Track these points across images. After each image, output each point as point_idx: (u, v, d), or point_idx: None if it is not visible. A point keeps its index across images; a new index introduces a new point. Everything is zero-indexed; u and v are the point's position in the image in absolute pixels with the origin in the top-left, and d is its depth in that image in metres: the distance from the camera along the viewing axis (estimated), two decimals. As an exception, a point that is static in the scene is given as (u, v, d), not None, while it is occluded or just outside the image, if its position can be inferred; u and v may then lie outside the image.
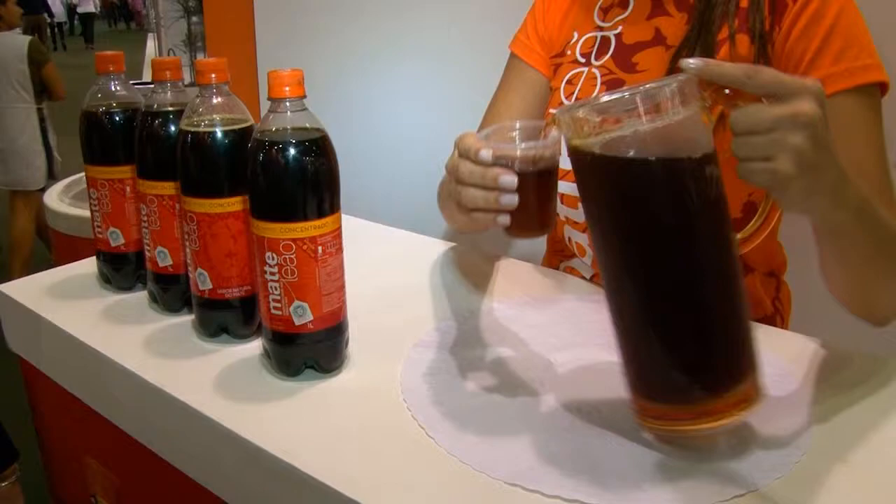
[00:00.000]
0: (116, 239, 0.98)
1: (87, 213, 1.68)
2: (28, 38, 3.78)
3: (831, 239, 0.79)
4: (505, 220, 0.72)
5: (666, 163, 0.61)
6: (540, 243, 1.22)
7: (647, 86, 0.60)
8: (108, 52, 0.96)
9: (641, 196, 0.62)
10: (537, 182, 0.73)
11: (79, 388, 0.96)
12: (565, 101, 1.07)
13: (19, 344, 1.06)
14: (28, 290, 1.05)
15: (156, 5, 8.61)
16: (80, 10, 19.11)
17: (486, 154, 0.71)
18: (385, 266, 1.13)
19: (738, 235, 0.67)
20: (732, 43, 0.93)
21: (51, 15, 16.37)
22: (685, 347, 0.64)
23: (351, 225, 0.82)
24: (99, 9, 21.56)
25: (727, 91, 0.62)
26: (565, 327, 0.91)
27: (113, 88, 0.95)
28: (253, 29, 1.69)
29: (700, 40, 0.94)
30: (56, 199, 1.80)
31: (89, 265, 1.09)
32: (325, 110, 0.78)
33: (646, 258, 0.64)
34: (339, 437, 0.70)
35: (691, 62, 0.61)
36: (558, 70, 1.11)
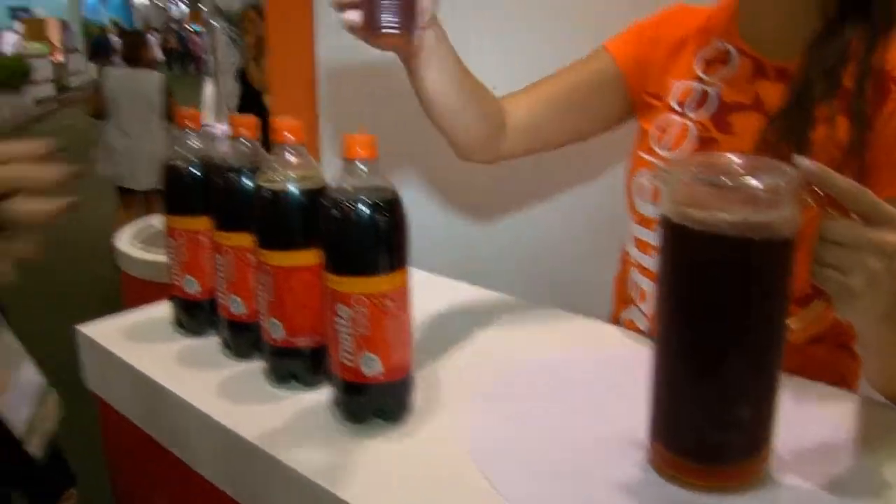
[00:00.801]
0: (191, 286, 1.03)
1: (155, 258, 1.76)
2: (161, 74, 5.01)
3: (876, 354, 0.83)
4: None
5: (754, 246, 0.64)
6: (597, 296, 1.24)
7: (764, 180, 0.63)
8: (188, 110, 1.02)
9: (720, 270, 0.66)
10: None
11: (151, 427, 1.00)
12: (656, 148, 1.08)
13: (96, 382, 1.11)
14: (105, 330, 1.10)
15: (215, 51, 8.89)
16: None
17: None
18: (448, 317, 1.16)
19: (791, 324, 0.70)
20: (832, 125, 0.92)
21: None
22: (715, 408, 0.69)
23: (416, 276, 0.85)
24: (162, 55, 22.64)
25: (822, 194, 0.66)
26: (627, 380, 0.93)
27: (192, 143, 1.01)
28: (313, 74, 1.74)
29: (798, 117, 0.94)
30: (127, 243, 1.87)
31: (163, 309, 1.13)
32: (391, 165, 0.82)
33: (706, 323, 0.68)
34: (407, 487, 0.73)
35: (807, 164, 0.65)
36: (650, 111, 1.12)
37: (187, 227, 1.01)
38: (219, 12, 8.35)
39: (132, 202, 4.94)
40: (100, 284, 4.29)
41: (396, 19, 0.91)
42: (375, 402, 0.81)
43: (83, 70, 20.74)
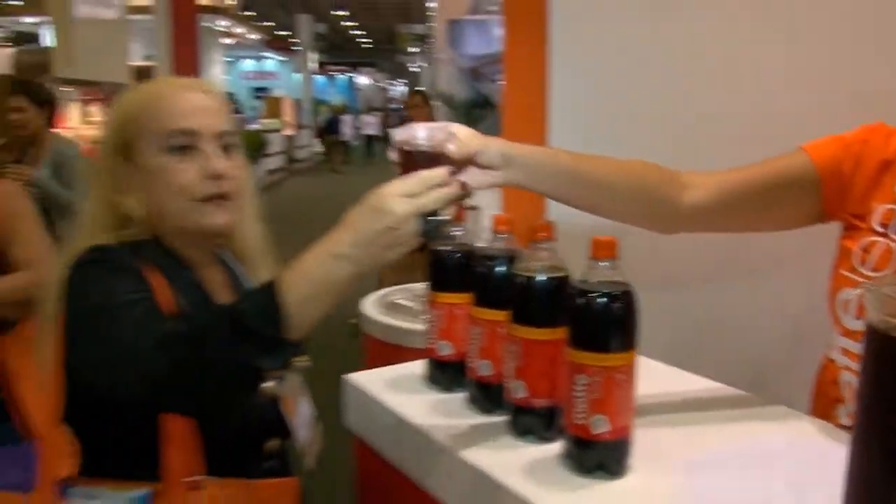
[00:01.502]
0: (445, 350, 1.25)
1: (395, 323, 2.03)
2: None
3: None
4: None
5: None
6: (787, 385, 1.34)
7: None
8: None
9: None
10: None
11: (404, 463, 1.21)
12: (859, 268, 1.17)
13: (356, 422, 1.35)
14: (368, 380, 1.34)
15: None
16: (364, 132, 22.38)
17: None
18: (661, 397, 1.30)
19: None
20: None
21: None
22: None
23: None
24: (381, 132, 24.71)
25: None
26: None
27: (459, 233, 1.24)
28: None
29: None
30: (371, 308, 2.19)
31: (416, 367, 1.36)
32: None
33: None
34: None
35: None
36: (854, 232, 1.19)
37: (448, 301, 1.23)
38: (440, 96, 8.92)
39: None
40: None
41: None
42: (600, 457, 0.98)
43: (308, 144, 22.57)
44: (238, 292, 1.34)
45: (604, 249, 0.96)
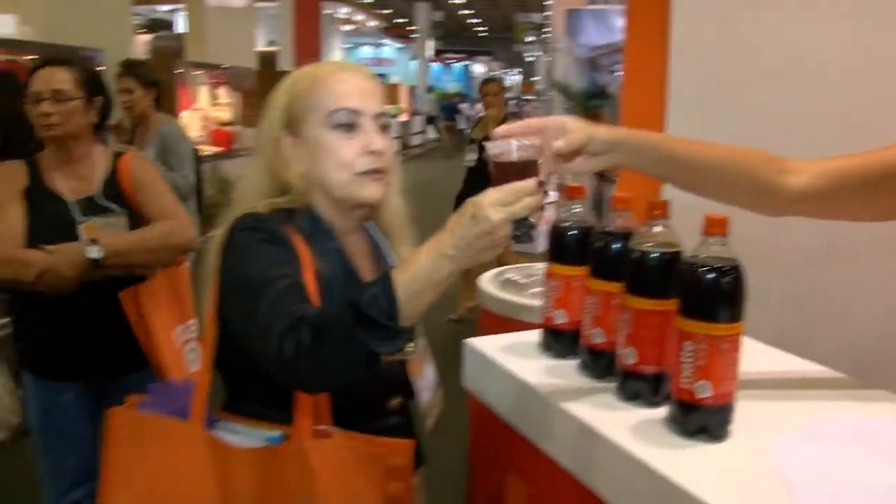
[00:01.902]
0: (560, 318, 1.35)
1: (511, 298, 2.14)
2: None
3: None
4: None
5: None
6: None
7: None
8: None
9: None
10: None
11: (519, 420, 1.32)
12: None
13: (475, 383, 1.46)
14: (487, 345, 1.45)
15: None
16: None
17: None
18: (770, 376, 1.36)
19: None
20: None
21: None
22: None
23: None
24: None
25: None
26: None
27: (578, 210, 1.33)
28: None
29: None
30: (487, 284, 2.31)
31: (531, 335, 1.46)
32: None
33: None
34: (726, 483, 0.97)
35: None
36: None
37: (566, 273, 1.32)
38: (557, 86, 8.94)
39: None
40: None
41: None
42: (703, 421, 1.06)
43: (422, 130, 22.87)
44: (378, 261, 1.48)
45: (716, 226, 1.04)
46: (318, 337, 1.12)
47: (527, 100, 26.73)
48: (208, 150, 8.31)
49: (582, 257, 1.29)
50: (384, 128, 1.41)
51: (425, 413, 1.49)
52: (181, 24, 12.54)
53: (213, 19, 9.77)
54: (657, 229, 1.14)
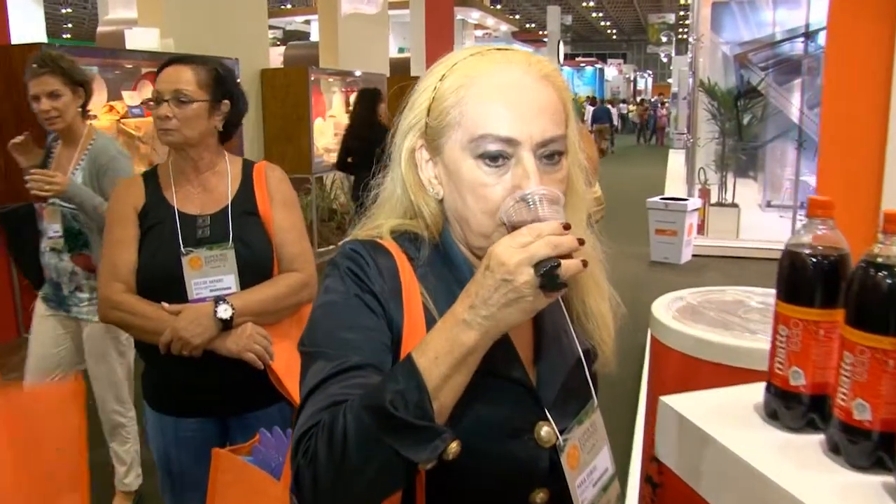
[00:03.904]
0: (798, 379, 1.00)
1: (698, 333, 1.74)
2: None
3: None
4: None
5: None
6: None
7: None
8: (821, 198, 1.00)
9: None
10: None
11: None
12: None
13: (672, 456, 1.13)
14: (689, 407, 1.11)
15: (695, 127, 9.04)
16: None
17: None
18: None
19: None
20: None
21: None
22: None
23: None
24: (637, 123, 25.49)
25: None
26: None
27: (823, 230, 0.98)
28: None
29: None
30: (662, 310, 1.90)
31: (746, 393, 1.12)
32: None
33: None
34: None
35: None
36: None
37: (806, 317, 0.98)
38: (701, 86, 8.45)
39: None
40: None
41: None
42: None
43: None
44: (542, 317, 1.11)
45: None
46: (334, 464, 0.88)
47: (662, 102, 25.97)
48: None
49: (833, 296, 0.94)
50: (550, 157, 1.01)
51: None
52: (315, 33, 12.69)
53: (346, 27, 9.75)
54: None
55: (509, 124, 0.99)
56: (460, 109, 1.02)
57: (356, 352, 0.98)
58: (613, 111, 24.29)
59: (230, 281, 1.97)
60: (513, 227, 0.92)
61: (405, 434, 0.86)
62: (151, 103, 1.99)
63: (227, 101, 2.04)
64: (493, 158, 0.99)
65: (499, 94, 1.01)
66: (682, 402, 1.13)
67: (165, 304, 1.90)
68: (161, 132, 1.97)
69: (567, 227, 0.88)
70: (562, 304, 1.13)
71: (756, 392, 1.10)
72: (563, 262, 0.85)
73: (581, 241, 0.88)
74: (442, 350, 0.88)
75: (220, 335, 1.89)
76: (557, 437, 1.06)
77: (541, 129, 0.99)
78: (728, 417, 1.07)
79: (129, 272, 1.94)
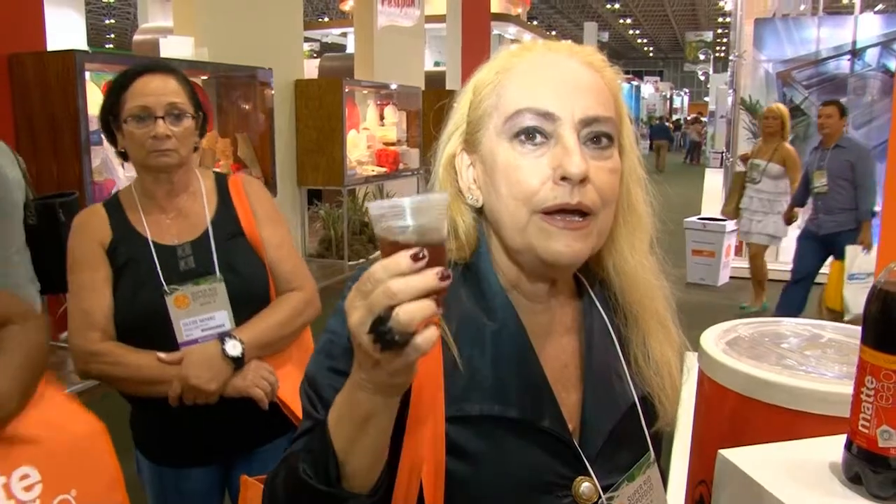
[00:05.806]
0: (888, 439, 0.86)
1: (751, 371, 1.58)
2: None
3: None
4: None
5: None
6: None
7: None
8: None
9: None
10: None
11: None
12: None
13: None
14: (755, 464, 0.97)
15: (734, 146, 8.84)
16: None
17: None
18: None
19: None
20: None
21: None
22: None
23: None
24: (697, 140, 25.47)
25: None
26: None
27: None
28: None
29: None
30: (712, 343, 1.72)
31: (821, 449, 0.98)
32: None
33: None
34: None
35: None
36: None
37: (898, 368, 0.84)
38: (742, 104, 8.27)
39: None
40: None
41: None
42: None
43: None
44: (594, 355, 0.98)
45: None
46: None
47: (699, 120, 25.72)
48: (374, 170, 8.17)
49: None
50: (596, 141, 0.88)
51: None
52: (351, 46, 12.67)
53: (382, 40, 9.69)
54: None
55: (547, 98, 0.88)
56: (497, 93, 0.91)
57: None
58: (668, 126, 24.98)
59: (223, 318, 1.72)
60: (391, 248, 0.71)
61: (317, 499, 0.80)
62: (129, 120, 1.66)
63: (201, 113, 1.78)
64: (530, 135, 0.87)
65: (537, 72, 0.91)
66: (744, 457, 1.00)
67: (162, 355, 1.64)
68: (156, 154, 1.67)
69: (417, 256, 0.68)
70: (616, 342, 0.99)
71: (830, 448, 0.97)
72: (401, 309, 0.67)
73: (446, 276, 0.69)
74: (344, 412, 0.80)
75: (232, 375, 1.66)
76: (600, 496, 0.93)
77: (583, 106, 0.88)
78: (801, 480, 0.93)
79: (106, 318, 1.67)
